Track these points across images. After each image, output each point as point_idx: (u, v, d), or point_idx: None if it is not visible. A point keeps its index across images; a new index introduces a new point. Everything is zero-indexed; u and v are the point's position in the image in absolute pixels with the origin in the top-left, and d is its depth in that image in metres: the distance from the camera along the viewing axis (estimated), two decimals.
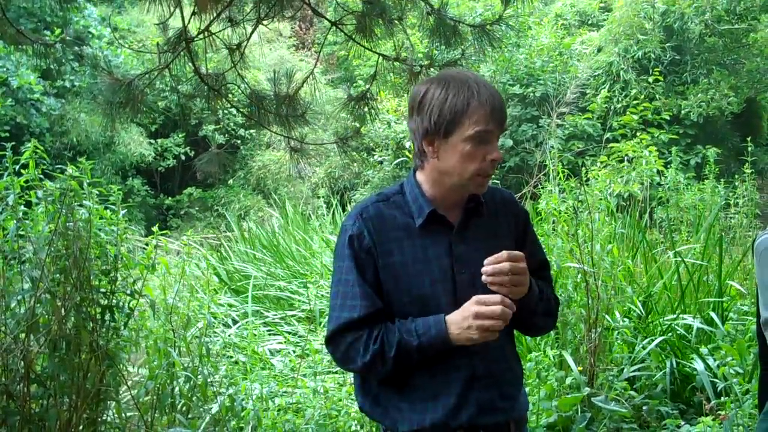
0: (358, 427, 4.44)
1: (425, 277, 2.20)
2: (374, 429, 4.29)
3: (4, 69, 13.55)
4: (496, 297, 2.09)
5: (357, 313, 2.17)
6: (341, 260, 2.25)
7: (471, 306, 2.10)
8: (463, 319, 2.10)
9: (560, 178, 6.12)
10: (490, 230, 2.27)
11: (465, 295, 2.15)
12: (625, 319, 5.18)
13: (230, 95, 5.04)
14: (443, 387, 2.21)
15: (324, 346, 2.39)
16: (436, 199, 2.25)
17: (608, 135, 10.99)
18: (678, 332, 5.13)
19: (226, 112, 15.03)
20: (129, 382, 4.28)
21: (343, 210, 11.26)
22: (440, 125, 2.14)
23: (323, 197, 14.82)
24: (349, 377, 4.83)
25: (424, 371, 2.21)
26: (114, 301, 4.01)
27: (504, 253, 2.09)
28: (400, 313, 2.19)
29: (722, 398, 4.33)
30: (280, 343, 6.23)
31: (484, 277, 2.10)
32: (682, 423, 4.44)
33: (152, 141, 16.24)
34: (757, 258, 2.58)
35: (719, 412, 4.27)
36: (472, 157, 2.14)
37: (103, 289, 3.97)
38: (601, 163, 8.42)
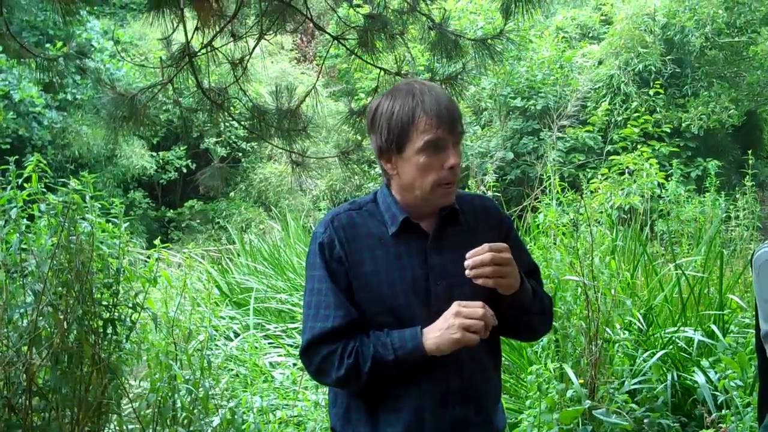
0: None
1: (398, 288, 2.15)
2: None
3: (6, 82, 13.58)
4: (478, 302, 2.05)
5: (331, 324, 2.12)
6: (313, 269, 2.20)
7: (452, 307, 2.06)
8: (444, 321, 2.05)
9: (558, 192, 6.14)
10: (467, 240, 2.15)
11: (439, 306, 2.10)
12: (626, 331, 5.18)
13: (232, 109, 5.07)
14: (417, 401, 2.15)
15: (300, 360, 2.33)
16: (409, 208, 2.19)
17: (609, 148, 11.03)
18: (679, 345, 5.13)
19: (227, 125, 15.07)
20: (131, 395, 4.28)
21: None
22: (391, 141, 2.12)
23: (324, 210, 14.84)
24: None
25: (397, 385, 2.15)
26: (116, 314, 4.02)
27: (485, 246, 2.03)
28: (373, 324, 2.14)
29: (723, 411, 4.32)
30: (281, 355, 6.23)
31: (467, 272, 2.03)
32: None
33: (154, 154, 16.26)
34: (756, 272, 2.59)
35: (720, 424, 4.27)
36: (429, 168, 2.10)
37: (105, 302, 3.98)
38: (602, 175, 8.43)
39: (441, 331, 2.05)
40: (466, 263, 2.03)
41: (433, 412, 2.16)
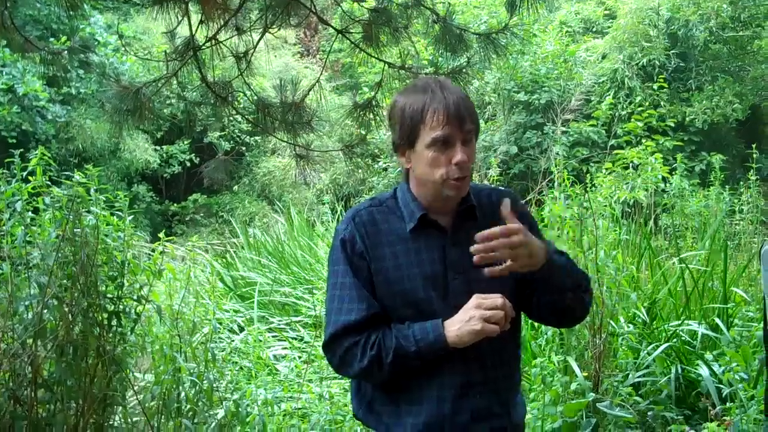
0: None
1: (418, 282, 2.18)
2: None
3: (10, 76, 13.59)
4: (497, 294, 2.08)
5: (354, 317, 2.16)
6: (336, 264, 2.25)
7: (471, 300, 2.09)
8: (464, 313, 2.08)
9: (565, 185, 6.13)
10: None
11: (458, 300, 2.13)
12: (630, 325, 5.18)
13: (236, 102, 5.07)
14: (438, 393, 2.19)
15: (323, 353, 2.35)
16: (427, 204, 2.23)
17: (613, 142, 11.01)
18: (683, 338, 5.14)
19: (231, 118, 15.07)
20: (135, 387, 4.29)
21: None
22: (404, 136, 2.17)
23: (328, 203, 14.84)
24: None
25: (419, 377, 2.19)
26: (121, 306, 4.03)
27: (496, 229, 2.01)
28: (396, 318, 2.18)
29: (727, 404, 4.33)
30: (285, 348, 6.24)
31: (475, 258, 2.02)
32: (687, 428, 4.44)
33: (157, 147, 16.26)
34: (764, 265, 2.58)
35: (724, 417, 4.27)
36: (437, 163, 2.13)
37: (109, 295, 3.99)
38: (606, 169, 8.43)
39: (462, 323, 2.08)
40: (473, 248, 2.02)
41: (454, 402, 2.19)
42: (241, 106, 5.35)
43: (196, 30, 4.50)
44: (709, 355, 4.84)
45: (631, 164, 8.45)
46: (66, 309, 3.74)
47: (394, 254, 2.21)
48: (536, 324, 5.29)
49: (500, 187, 2.48)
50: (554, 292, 2.19)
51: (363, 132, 5.39)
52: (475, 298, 2.09)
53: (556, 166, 6.99)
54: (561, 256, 2.25)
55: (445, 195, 2.19)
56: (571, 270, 2.26)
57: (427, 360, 2.14)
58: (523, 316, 2.41)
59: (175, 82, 4.70)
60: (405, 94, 2.20)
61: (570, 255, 2.43)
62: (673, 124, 12.89)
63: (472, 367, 2.20)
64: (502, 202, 2.12)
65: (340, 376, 5.21)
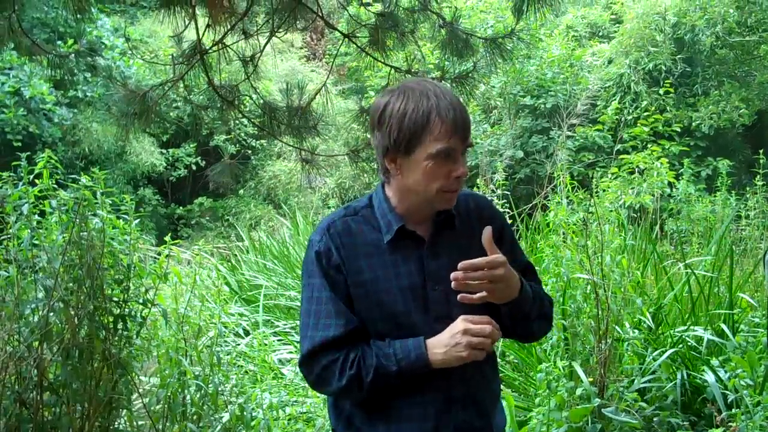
0: None
1: (396, 295, 2.12)
2: None
3: (17, 79, 13.64)
4: (484, 317, 2.05)
5: (333, 332, 2.09)
6: (311, 277, 2.17)
7: (459, 323, 2.04)
8: (450, 337, 2.04)
9: (568, 190, 6.13)
10: (463, 242, 2.16)
11: (438, 312, 2.10)
12: (635, 330, 5.17)
13: (242, 106, 5.08)
14: (419, 409, 2.14)
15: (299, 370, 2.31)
16: (405, 213, 2.16)
17: (619, 147, 10.99)
18: (689, 344, 5.12)
19: (237, 122, 15.11)
20: (141, 391, 4.30)
21: None
22: (400, 142, 2.05)
23: (333, 207, 14.84)
24: None
25: (399, 394, 2.13)
26: (126, 310, 4.04)
27: (481, 261, 1.99)
28: (373, 332, 2.11)
29: (733, 410, 4.32)
30: (291, 352, 6.24)
31: (453, 284, 2.00)
32: None
33: (163, 151, 16.30)
34: (767, 270, 2.58)
35: (730, 423, 4.26)
36: (436, 175, 2.05)
37: (115, 298, 4.00)
38: (612, 174, 8.42)
39: (447, 348, 2.03)
40: (452, 275, 2.00)
41: (437, 418, 2.15)
42: (248, 109, 5.36)
43: (203, 34, 4.51)
44: (714, 361, 4.83)
45: (636, 169, 8.44)
46: (72, 312, 3.75)
47: (371, 266, 2.14)
48: None
49: (474, 192, 2.43)
50: (519, 319, 2.18)
51: (368, 136, 5.39)
52: (463, 323, 2.04)
53: (560, 171, 6.97)
54: (530, 280, 2.26)
55: (434, 207, 2.15)
56: (539, 299, 2.26)
57: (408, 378, 2.08)
58: None
59: (181, 85, 4.71)
60: (400, 97, 2.07)
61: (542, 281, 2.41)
62: (679, 129, 12.86)
63: (453, 382, 2.15)
64: (480, 211, 2.18)
65: None
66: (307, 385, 5.13)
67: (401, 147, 2.06)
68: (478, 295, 2.03)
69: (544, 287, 2.48)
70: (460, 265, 1.99)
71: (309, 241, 2.21)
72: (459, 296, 2.03)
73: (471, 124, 2.14)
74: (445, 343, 2.04)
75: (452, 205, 2.16)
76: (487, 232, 2.04)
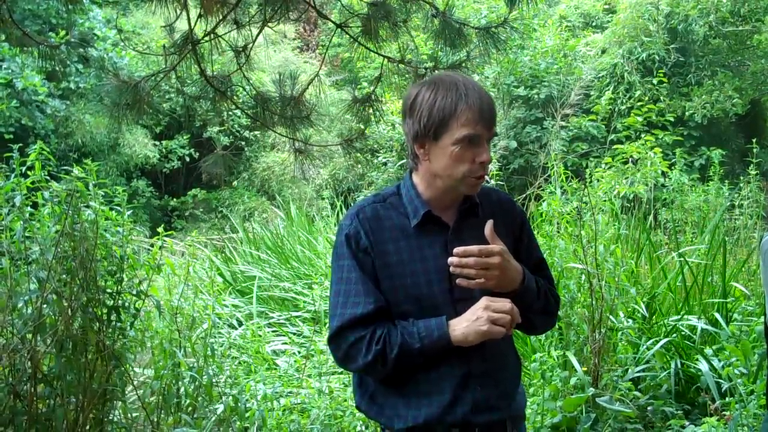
0: (363, 427, 4.45)
1: (421, 278, 2.22)
2: (378, 429, 4.30)
3: (9, 71, 13.58)
4: (506, 298, 2.13)
5: (361, 310, 2.18)
6: (341, 259, 2.27)
7: (481, 301, 2.12)
8: (472, 313, 2.12)
9: (562, 180, 6.13)
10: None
11: (460, 295, 2.18)
12: (629, 320, 5.19)
13: (235, 97, 5.06)
14: (438, 384, 2.22)
15: (328, 346, 2.37)
16: (432, 200, 2.27)
17: (612, 137, 11.00)
18: (682, 333, 5.14)
19: (230, 113, 15.07)
20: (135, 382, 4.29)
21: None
22: (429, 128, 2.16)
23: (327, 198, 14.86)
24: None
25: (420, 369, 2.22)
26: (120, 301, 4.02)
27: (474, 248, 2.10)
28: (398, 313, 2.20)
29: (727, 399, 4.33)
30: (285, 343, 6.25)
31: (451, 268, 2.11)
32: (687, 423, 4.45)
33: (157, 142, 16.26)
34: (763, 258, 2.58)
35: (724, 412, 4.28)
36: (462, 159, 2.16)
37: (109, 290, 3.98)
38: (606, 164, 8.43)
39: (469, 323, 2.12)
40: (449, 260, 2.12)
41: (455, 394, 2.22)
42: (240, 100, 5.34)
43: (195, 24, 4.48)
44: (708, 350, 4.85)
45: (630, 159, 8.45)
46: (65, 304, 3.73)
47: (398, 250, 2.23)
48: None
49: (496, 187, 2.51)
50: (521, 310, 2.21)
51: (362, 126, 5.37)
52: (485, 300, 2.12)
53: (554, 161, 6.97)
54: (540, 276, 2.37)
55: (460, 192, 2.24)
56: (544, 295, 2.35)
57: (431, 356, 2.17)
58: None
59: (174, 76, 4.69)
60: (431, 87, 2.19)
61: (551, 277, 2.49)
62: (672, 119, 12.86)
63: (472, 359, 2.22)
64: (502, 205, 2.30)
65: (340, 371, 5.22)
66: (301, 375, 5.14)
67: (430, 132, 2.17)
68: (475, 281, 2.11)
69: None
70: (455, 250, 2.11)
71: (339, 226, 2.32)
72: (457, 280, 2.12)
73: (497, 114, 2.25)
74: (467, 318, 2.13)
75: (476, 191, 2.26)
76: (490, 224, 2.17)
